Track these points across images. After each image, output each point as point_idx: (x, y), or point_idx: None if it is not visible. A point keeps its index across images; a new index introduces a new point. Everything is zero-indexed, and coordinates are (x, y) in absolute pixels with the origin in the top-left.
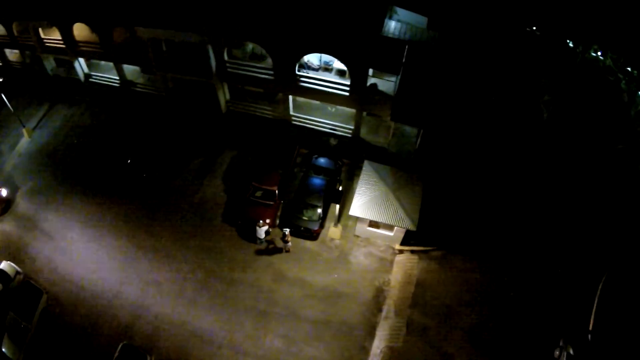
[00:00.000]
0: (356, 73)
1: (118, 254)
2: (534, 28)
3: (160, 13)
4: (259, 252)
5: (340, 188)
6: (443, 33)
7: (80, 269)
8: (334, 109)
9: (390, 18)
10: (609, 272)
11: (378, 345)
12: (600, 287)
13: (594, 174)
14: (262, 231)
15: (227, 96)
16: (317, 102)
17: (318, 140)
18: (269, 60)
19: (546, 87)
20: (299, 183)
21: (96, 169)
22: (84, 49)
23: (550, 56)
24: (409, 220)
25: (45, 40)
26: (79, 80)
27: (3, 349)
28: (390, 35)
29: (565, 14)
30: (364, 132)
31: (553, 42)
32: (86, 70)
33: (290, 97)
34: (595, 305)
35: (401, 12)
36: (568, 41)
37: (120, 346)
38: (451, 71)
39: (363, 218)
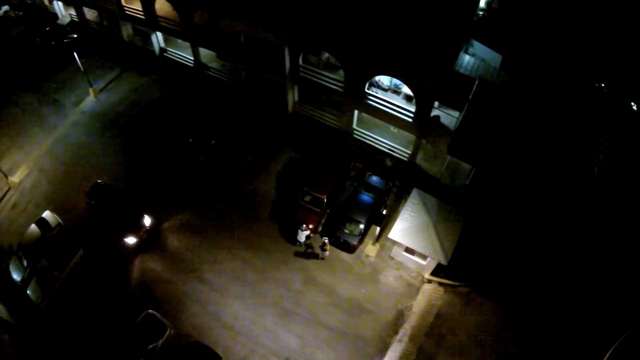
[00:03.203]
0: (422, 102)
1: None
2: (602, 85)
3: (244, 9)
4: (296, 254)
5: (385, 212)
6: (514, 76)
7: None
8: (395, 130)
9: (466, 51)
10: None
11: None
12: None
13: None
14: (303, 235)
15: (296, 98)
16: (380, 121)
17: (374, 158)
18: (341, 73)
19: (602, 146)
20: (347, 196)
21: (156, 141)
22: (163, 24)
23: (611, 115)
24: (442, 255)
25: (125, 8)
26: (153, 52)
27: (28, 291)
28: (462, 71)
29: (633, 77)
30: (419, 159)
31: (617, 101)
32: (162, 44)
33: (356, 111)
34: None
35: (477, 46)
36: (632, 104)
37: (144, 313)
38: (514, 117)
39: (400, 243)
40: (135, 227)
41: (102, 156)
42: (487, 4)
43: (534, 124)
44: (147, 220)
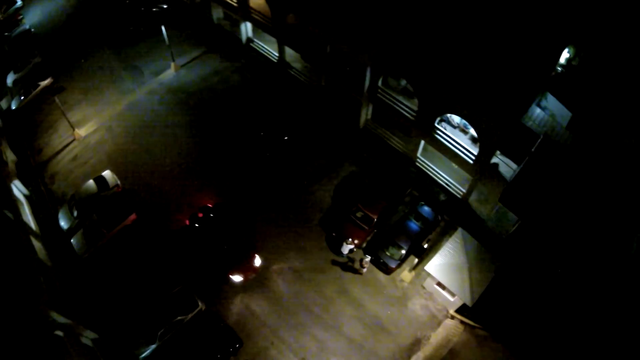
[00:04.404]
0: (485, 147)
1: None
2: None
3: (336, 23)
4: (336, 264)
5: (426, 246)
6: (578, 138)
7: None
8: (456, 167)
9: (539, 103)
10: None
11: None
12: None
13: None
14: (347, 248)
15: (369, 115)
16: (443, 155)
17: (430, 189)
18: (416, 102)
19: None
20: (396, 220)
21: (226, 127)
22: (255, 17)
23: None
24: (469, 296)
25: None
26: (239, 39)
27: (72, 240)
28: (529, 123)
29: None
30: (472, 199)
31: None
32: (250, 34)
33: (423, 141)
34: None
35: (550, 100)
36: None
37: (180, 287)
38: (570, 179)
39: (434, 276)
40: (245, 266)
41: (171, 130)
42: (567, 60)
43: (587, 189)
44: (258, 261)
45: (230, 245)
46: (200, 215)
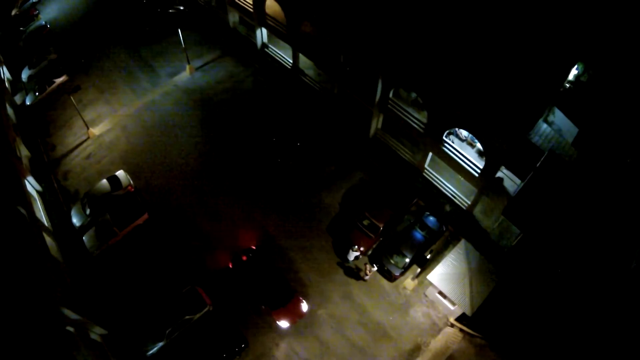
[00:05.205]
0: (491, 162)
1: (221, 214)
2: None
3: (350, 35)
4: (342, 269)
5: (429, 257)
6: (582, 155)
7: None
8: (462, 179)
9: (546, 118)
10: None
11: None
12: None
13: None
14: (352, 255)
15: (379, 125)
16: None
17: (436, 199)
18: (426, 114)
19: None
20: (402, 229)
21: (239, 132)
22: (270, 23)
23: None
24: (469, 306)
25: None
26: (254, 44)
27: (84, 238)
28: (536, 138)
29: None
30: (477, 210)
31: None
32: (265, 39)
33: (431, 153)
34: None
35: (558, 115)
36: None
37: (189, 287)
38: (572, 195)
39: (436, 285)
40: (291, 311)
41: (184, 132)
42: (576, 77)
43: (589, 205)
44: (305, 307)
45: (273, 289)
46: (244, 258)
